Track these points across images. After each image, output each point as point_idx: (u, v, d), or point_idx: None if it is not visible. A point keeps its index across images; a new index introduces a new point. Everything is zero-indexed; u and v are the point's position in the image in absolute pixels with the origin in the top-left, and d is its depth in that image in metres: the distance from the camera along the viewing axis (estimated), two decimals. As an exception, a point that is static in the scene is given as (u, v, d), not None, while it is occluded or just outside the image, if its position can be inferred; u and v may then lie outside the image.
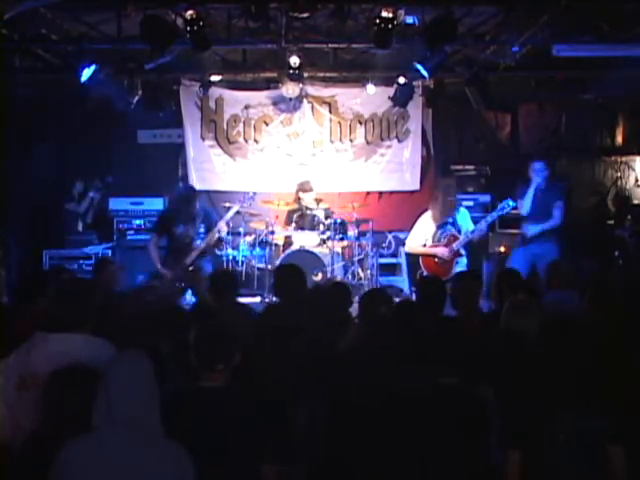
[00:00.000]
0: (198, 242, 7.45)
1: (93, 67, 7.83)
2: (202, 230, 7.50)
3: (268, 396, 3.49)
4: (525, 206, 7.64)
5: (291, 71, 8.14)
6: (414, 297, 6.98)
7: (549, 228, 7.51)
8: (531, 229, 7.57)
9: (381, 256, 9.18)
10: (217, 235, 7.66)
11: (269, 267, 8.56)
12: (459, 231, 7.50)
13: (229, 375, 3.28)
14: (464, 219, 7.65)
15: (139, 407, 2.78)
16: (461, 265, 7.45)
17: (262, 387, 3.59)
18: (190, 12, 6.59)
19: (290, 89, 8.76)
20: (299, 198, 8.90)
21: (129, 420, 2.75)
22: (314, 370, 3.96)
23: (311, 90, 9.62)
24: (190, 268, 7.40)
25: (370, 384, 3.83)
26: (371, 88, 9.11)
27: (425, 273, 7.50)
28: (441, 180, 8.66)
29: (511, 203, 7.50)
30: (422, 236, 7.63)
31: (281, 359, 3.91)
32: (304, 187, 8.96)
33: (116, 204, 9.35)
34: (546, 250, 7.30)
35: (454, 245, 7.43)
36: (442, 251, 7.44)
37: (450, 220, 7.55)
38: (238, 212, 8.15)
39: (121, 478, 2.73)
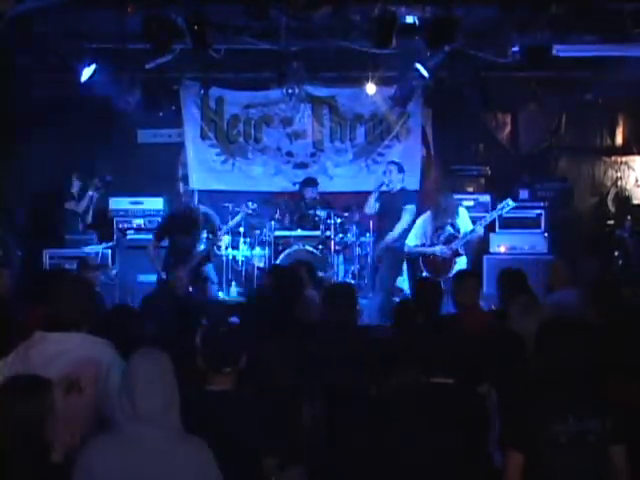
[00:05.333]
0: (201, 247, 7.47)
1: (93, 67, 7.83)
2: (204, 235, 7.51)
3: (273, 398, 3.48)
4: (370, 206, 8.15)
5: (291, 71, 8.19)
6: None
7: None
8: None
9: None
10: (218, 244, 7.69)
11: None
12: (458, 230, 7.50)
13: (236, 378, 3.26)
14: (463, 219, 7.65)
15: (161, 403, 2.77)
16: (460, 264, 7.45)
17: (267, 389, 3.57)
18: (190, 12, 6.60)
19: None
20: (302, 195, 8.93)
21: (152, 417, 2.74)
22: (314, 369, 3.97)
23: (311, 90, 9.63)
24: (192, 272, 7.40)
25: (367, 384, 3.83)
26: (371, 88, 9.11)
27: (425, 273, 7.50)
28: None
29: (511, 203, 7.51)
30: (421, 235, 7.63)
31: (284, 360, 3.90)
32: (308, 182, 8.99)
33: (116, 203, 9.34)
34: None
35: (453, 244, 7.43)
36: (442, 250, 7.44)
37: (449, 220, 7.55)
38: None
39: (150, 474, 2.73)
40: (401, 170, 8.17)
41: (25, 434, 2.83)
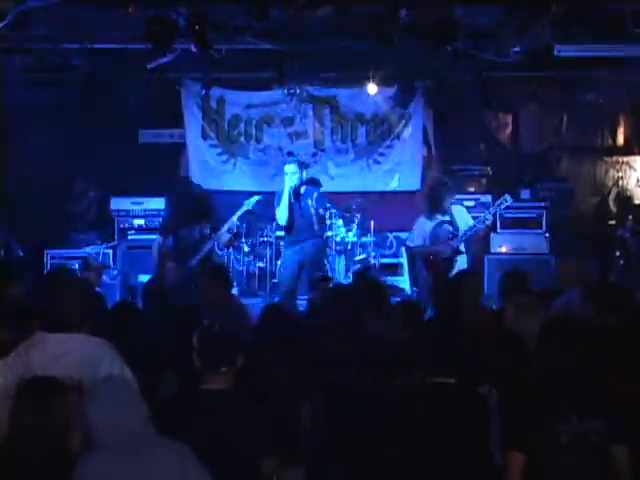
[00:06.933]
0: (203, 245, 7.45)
1: None
2: (207, 231, 7.50)
3: (272, 397, 3.48)
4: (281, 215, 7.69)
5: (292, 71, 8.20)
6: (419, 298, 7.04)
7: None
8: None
9: (382, 256, 9.19)
10: (222, 239, 7.67)
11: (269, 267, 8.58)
12: (457, 229, 7.47)
13: (233, 378, 3.25)
14: (461, 217, 7.61)
15: (136, 420, 2.79)
16: (461, 263, 7.42)
17: (266, 388, 3.57)
18: (191, 12, 6.61)
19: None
20: None
21: (131, 434, 2.76)
22: (312, 368, 3.97)
23: (312, 90, 9.63)
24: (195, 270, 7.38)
25: (366, 383, 3.83)
26: (372, 88, 9.10)
27: (425, 273, 7.49)
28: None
29: (509, 199, 7.44)
30: (420, 236, 7.60)
31: (283, 359, 3.90)
32: (310, 183, 8.98)
33: (117, 204, 9.34)
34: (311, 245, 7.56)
35: (453, 243, 7.40)
36: (441, 249, 7.42)
37: (447, 218, 7.50)
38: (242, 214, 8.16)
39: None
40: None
41: (50, 436, 2.81)
